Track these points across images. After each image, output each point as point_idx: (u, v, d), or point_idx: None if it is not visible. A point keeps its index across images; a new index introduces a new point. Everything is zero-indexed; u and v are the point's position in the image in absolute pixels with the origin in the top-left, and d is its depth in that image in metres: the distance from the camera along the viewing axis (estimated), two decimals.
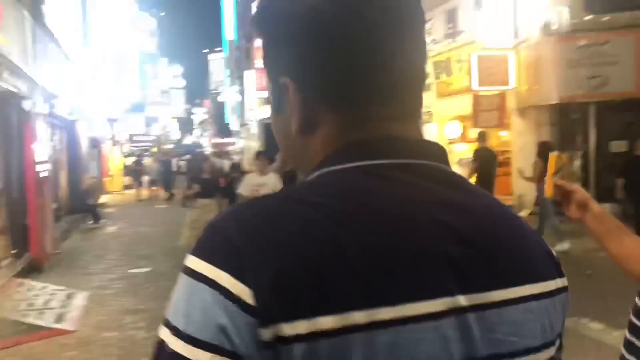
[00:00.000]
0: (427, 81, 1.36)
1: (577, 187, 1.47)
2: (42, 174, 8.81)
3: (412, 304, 0.54)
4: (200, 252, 0.55)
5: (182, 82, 38.78)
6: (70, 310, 6.12)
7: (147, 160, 24.93)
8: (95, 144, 20.76)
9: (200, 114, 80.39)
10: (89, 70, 17.44)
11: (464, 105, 14.67)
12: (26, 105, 7.87)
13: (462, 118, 15.41)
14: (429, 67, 16.88)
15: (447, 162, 0.65)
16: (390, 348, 0.52)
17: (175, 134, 66.55)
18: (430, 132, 16.90)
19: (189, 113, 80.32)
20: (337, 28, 0.61)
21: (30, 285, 6.86)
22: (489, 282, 0.58)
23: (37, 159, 8.58)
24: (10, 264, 7.50)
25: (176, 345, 0.52)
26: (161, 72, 38.97)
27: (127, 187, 25.50)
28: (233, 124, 48.55)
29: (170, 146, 50.03)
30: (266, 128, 26.26)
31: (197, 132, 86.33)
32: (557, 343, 0.65)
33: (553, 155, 1.88)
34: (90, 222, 13.44)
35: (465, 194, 0.63)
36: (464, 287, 0.57)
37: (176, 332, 0.52)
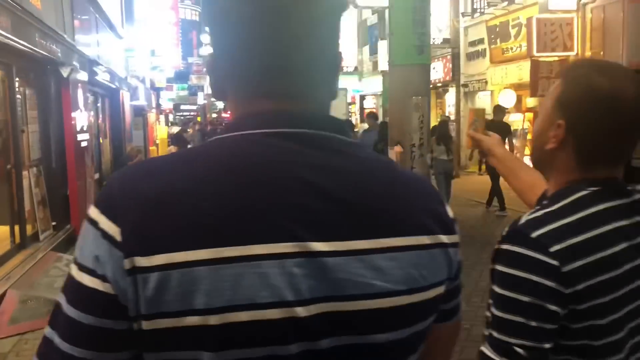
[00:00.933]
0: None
1: (483, 136, 1.61)
2: (82, 143, 8.58)
3: (258, 245, 0.65)
4: (95, 201, 0.71)
5: None
6: None
7: (190, 129, 24.81)
8: (139, 112, 20.72)
9: None
10: (132, 38, 17.23)
11: (520, 72, 13.78)
12: (64, 71, 7.57)
13: (517, 86, 14.55)
14: (484, 32, 15.97)
15: (343, 133, 0.75)
16: (235, 279, 0.64)
17: (220, 103, 66.63)
18: (484, 100, 16.08)
19: None
20: (235, 16, 0.71)
21: (68, 260, 6.64)
22: (351, 233, 0.68)
23: (77, 128, 8.34)
24: (49, 237, 7.31)
25: (72, 269, 0.69)
26: (205, 41, 38.62)
27: None
28: None
29: (214, 115, 50.09)
30: None
31: None
32: (440, 289, 0.75)
33: (471, 110, 1.94)
34: None
35: (345, 159, 0.73)
36: (320, 235, 0.67)
37: (74, 260, 0.70)
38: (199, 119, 38.22)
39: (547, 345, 1.03)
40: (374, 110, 27.96)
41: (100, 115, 12.83)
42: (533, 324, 1.02)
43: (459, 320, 0.86)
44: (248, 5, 0.70)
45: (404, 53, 3.08)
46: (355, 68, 29.24)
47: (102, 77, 10.65)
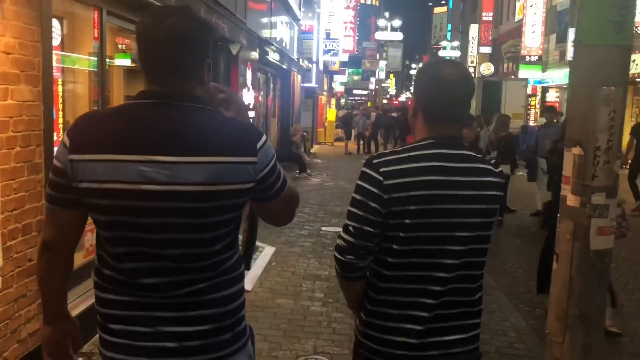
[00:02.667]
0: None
1: None
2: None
3: (127, 155, 1.45)
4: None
5: (400, 36, 37.90)
6: (252, 266, 5.83)
7: (356, 113, 24.83)
8: (310, 94, 21.17)
9: (418, 69, 79.08)
10: (309, 20, 17.52)
11: None
12: (233, 48, 7.73)
13: None
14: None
15: (204, 104, 1.54)
16: (113, 168, 1.45)
17: (391, 89, 66.46)
18: None
19: (407, 68, 79.55)
20: (141, 37, 1.51)
21: None
22: (180, 152, 1.45)
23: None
24: None
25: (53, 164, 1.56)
26: (381, 26, 38.46)
27: (338, 139, 25.92)
28: None
29: (385, 101, 49.99)
30: (485, 85, 24.38)
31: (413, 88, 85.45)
32: (242, 185, 1.51)
33: None
34: (296, 172, 13.56)
35: (188, 116, 1.50)
36: (162, 152, 1.45)
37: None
38: (369, 104, 38.25)
39: (368, 229, 1.71)
40: (556, 104, 25.67)
41: (270, 95, 13.17)
42: (361, 213, 1.72)
43: (279, 199, 1.64)
44: (146, 34, 1.53)
45: (595, 30, 2.40)
46: (539, 58, 27.04)
47: (273, 57, 10.85)
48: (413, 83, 1.66)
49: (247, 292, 5.12)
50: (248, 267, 2.27)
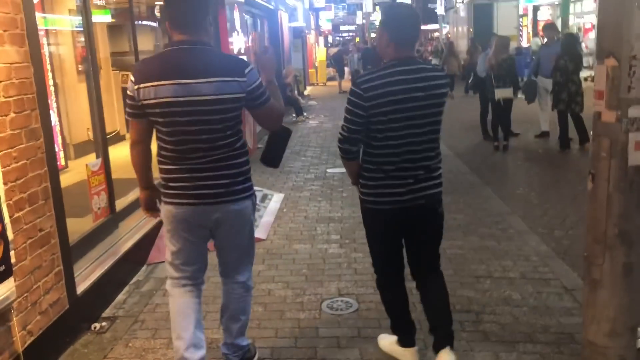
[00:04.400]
0: None
1: None
2: None
3: (162, 81, 2.46)
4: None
5: None
6: (263, 214, 5.75)
7: (352, 49, 24.23)
8: (298, 34, 20.61)
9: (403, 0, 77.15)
10: None
11: None
12: None
13: None
14: None
15: (207, 44, 2.57)
16: (155, 90, 2.47)
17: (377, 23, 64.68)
18: None
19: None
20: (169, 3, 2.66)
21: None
22: (195, 76, 2.46)
23: (233, 50, 8.24)
24: None
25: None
26: None
27: (330, 78, 25.45)
28: (438, 8, 45.40)
29: (373, 35, 48.87)
30: (477, 10, 23.73)
31: None
32: (236, 95, 2.51)
33: None
34: (293, 116, 13.32)
35: (200, 54, 2.52)
36: (185, 77, 2.45)
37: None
38: (357, 39, 37.37)
39: (355, 127, 2.64)
40: (549, 22, 25.04)
41: (259, 37, 12.75)
42: (350, 117, 2.64)
43: (265, 108, 2.65)
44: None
45: None
46: None
47: None
48: (380, 22, 2.86)
49: (262, 240, 5.08)
50: (276, 165, 3.14)
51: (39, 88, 3.06)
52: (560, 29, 14.27)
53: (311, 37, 26.30)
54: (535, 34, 26.23)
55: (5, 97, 2.76)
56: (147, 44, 9.43)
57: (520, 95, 9.32)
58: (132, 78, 2.51)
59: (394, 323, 3.04)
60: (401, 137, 2.61)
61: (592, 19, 20.32)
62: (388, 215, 2.74)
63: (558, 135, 8.99)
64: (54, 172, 3.22)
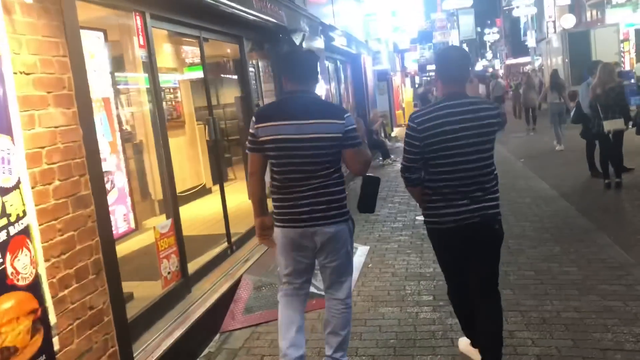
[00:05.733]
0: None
1: None
2: None
3: (280, 122, 2.98)
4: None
5: (469, 2, 35.76)
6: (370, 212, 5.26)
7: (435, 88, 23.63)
8: (383, 77, 20.33)
9: (491, 34, 75.36)
10: (371, 2, 16.72)
11: None
12: (296, 38, 7.17)
13: None
14: None
15: (314, 93, 3.16)
16: (275, 129, 2.99)
17: None
18: None
19: (480, 35, 76.18)
20: (282, 62, 3.29)
21: None
22: (303, 117, 2.97)
23: None
24: None
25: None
26: None
27: None
28: (530, 40, 43.90)
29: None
30: (572, 38, 22.43)
31: (489, 55, 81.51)
32: (337, 134, 2.99)
33: None
34: (379, 159, 12.87)
35: (308, 100, 3.07)
36: (295, 118, 2.97)
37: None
38: None
39: (412, 157, 3.02)
40: None
41: (342, 83, 12.54)
42: (407, 148, 3.04)
43: (356, 148, 3.06)
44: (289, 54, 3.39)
45: None
46: None
47: (339, 42, 10.22)
48: (435, 64, 3.32)
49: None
50: (372, 210, 3.42)
51: (90, 150, 2.81)
52: None
53: (397, 79, 25.99)
54: (639, 59, 24.42)
55: (49, 164, 2.52)
56: (230, 97, 9.46)
57: (632, 127, 8.33)
58: (253, 119, 3.08)
59: (464, 325, 3.42)
60: (453, 164, 2.96)
61: None
62: (446, 233, 3.08)
63: None
64: (108, 241, 2.95)
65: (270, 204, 3.19)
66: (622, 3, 24.76)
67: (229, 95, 9.80)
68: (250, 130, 3.05)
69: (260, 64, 6.88)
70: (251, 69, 6.47)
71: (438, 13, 37.07)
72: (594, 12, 30.85)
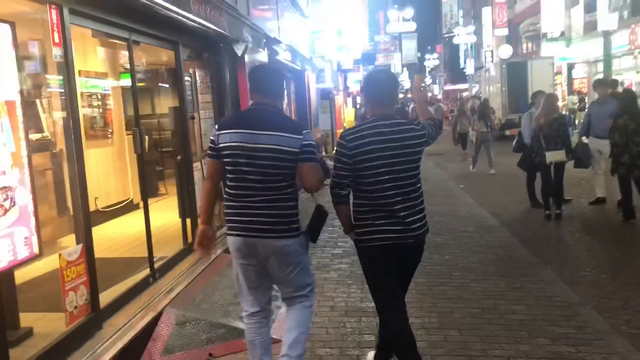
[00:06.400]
0: None
1: None
2: None
3: (234, 129, 3.08)
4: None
5: (413, 26, 36.49)
6: (281, 305, 4.81)
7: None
8: (326, 95, 20.11)
9: (431, 60, 77.30)
10: (318, 17, 16.51)
11: None
12: (238, 49, 6.73)
13: None
14: None
15: (276, 107, 3.20)
16: (228, 137, 3.08)
17: (406, 83, 64.96)
18: None
19: (421, 60, 77.97)
20: (250, 76, 3.34)
21: None
22: (260, 128, 3.05)
23: None
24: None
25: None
26: (391, 17, 37.11)
27: None
28: (468, 68, 45.16)
29: (401, 95, 48.56)
30: (510, 68, 23.04)
31: (428, 80, 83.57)
32: (294, 150, 3.02)
33: None
34: None
35: (268, 113, 3.13)
36: (252, 128, 3.05)
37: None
38: None
39: (342, 173, 3.11)
40: (584, 80, 24.20)
41: (285, 99, 12.16)
42: (337, 164, 3.12)
43: (312, 164, 3.06)
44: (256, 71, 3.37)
45: None
46: (562, 33, 25.64)
47: (284, 56, 9.85)
48: (360, 86, 2.97)
49: (277, 341, 4.12)
50: (314, 241, 3.31)
51: None
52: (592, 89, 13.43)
53: (339, 98, 25.89)
54: (570, 92, 25.40)
55: None
56: (166, 107, 8.87)
57: (571, 160, 8.34)
58: (216, 127, 3.22)
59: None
60: (380, 183, 3.07)
61: (632, 76, 19.40)
62: (374, 251, 3.14)
63: (618, 201, 8.00)
64: None
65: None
66: (557, 37, 25.72)
67: (165, 105, 9.23)
68: (211, 137, 3.18)
69: (198, 73, 6.39)
70: (187, 79, 5.97)
71: (382, 35, 37.56)
72: (530, 44, 32.00)
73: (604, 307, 4.69)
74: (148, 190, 8.22)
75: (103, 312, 3.85)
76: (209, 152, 3.16)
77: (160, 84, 9.52)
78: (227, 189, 3.12)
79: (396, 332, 3.15)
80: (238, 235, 3.08)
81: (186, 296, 4.59)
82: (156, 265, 4.90)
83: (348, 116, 26.04)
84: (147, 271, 4.80)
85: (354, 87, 35.51)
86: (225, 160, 3.06)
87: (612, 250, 6.49)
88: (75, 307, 3.53)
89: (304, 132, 3.06)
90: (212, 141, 3.13)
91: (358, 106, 33.13)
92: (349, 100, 31.82)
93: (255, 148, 2.99)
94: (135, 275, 4.77)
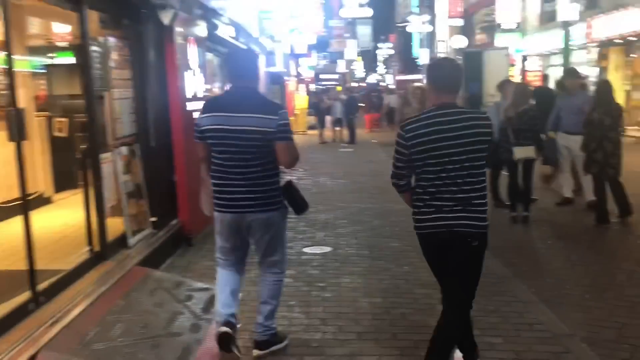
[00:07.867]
0: None
1: None
2: (195, 114, 6.68)
3: (216, 113, 3.39)
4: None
5: (370, 12, 35.53)
6: (210, 319, 3.85)
7: (326, 98, 22.69)
8: (276, 80, 19.03)
9: (385, 49, 76.88)
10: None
11: None
12: (164, 16, 5.62)
13: None
14: None
15: (254, 89, 3.54)
16: (211, 119, 3.39)
17: (359, 71, 64.35)
18: None
19: (375, 49, 77.37)
20: (227, 59, 4.37)
21: (161, 281, 4.71)
22: (239, 111, 3.33)
23: (186, 94, 6.45)
24: (146, 238, 5.48)
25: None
26: (346, 2, 36.12)
27: (311, 127, 23.92)
28: (422, 58, 44.78)
29: (355, 84, 47.83)
30: (467, 57, 22.45)
31: (380, 69, 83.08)
32: (269, 129, 3.31)
33: None
34: None
35: (247, 95, 3.45)
36: (232, 111, 3.35)
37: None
38: (338, 88, 36.11)
39: (399, 164, 3.12)
40: (539, 72, 23.94)
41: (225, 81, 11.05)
42: (395, 155, 3.12)
43: (286, 142, 3.38)
44: None
45: None
46: (518, 25, 25.33)
47: (226, 31, 8.73)
48: (425, 74, 3.31)
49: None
50: (299, 213, 3.65)
51: None
52: (552, 81, 12.88)
53: (291, 84, 24.83)
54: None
55: None
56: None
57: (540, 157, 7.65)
58: (201, 110, 3.51)
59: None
60: (438, 172, 2.98)
61: (585, 70, 19.12)
62: (426, 238, 3.12)
63: (587, 202, 7.38)
64: None
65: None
66: (512, 29, 25.39)
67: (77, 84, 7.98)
68: (196, 121, 3.47)
69: (113, 43, 5.25)
70: (96, 49, 4.83)
71: (336, 20, 36.56)
72: (484, 36, 31.71)
73: (595, 339, 3.89)
74: (66, 182, 7.12)
75: None
76: (196, 134, 3.46)
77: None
78: (213, 169, 3.42)
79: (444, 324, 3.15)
80: (227, 212, 3.42)
81: (74, 330, 3.49)
82: (40, 285, 3.79)
83: (300, 103, 25.03)
84: (27, 294, 3.68)
85: (307, 74, 34.44)
86: (210, 141, 3.40)
87: (590, 262, 5.74)
88: None
89: (279, 111, 3.36)
90: (197, 124, 3.45)
91: (310, 93, 32.06)
92: (302, 87, 30.73)
93: (236, 130, 3.31)
94: (14, 298, 3.65)
